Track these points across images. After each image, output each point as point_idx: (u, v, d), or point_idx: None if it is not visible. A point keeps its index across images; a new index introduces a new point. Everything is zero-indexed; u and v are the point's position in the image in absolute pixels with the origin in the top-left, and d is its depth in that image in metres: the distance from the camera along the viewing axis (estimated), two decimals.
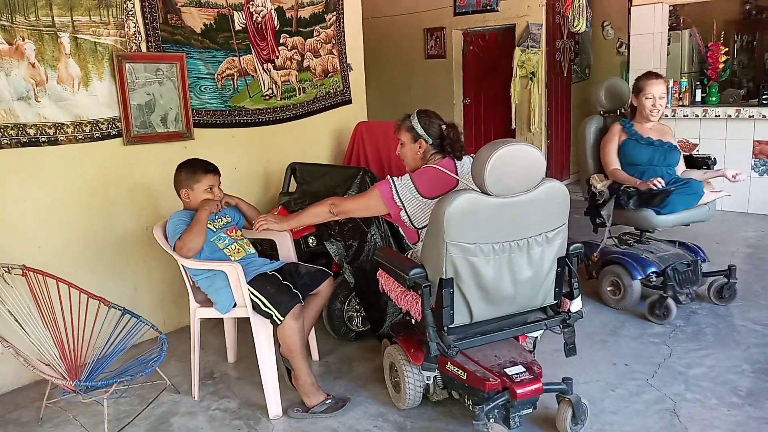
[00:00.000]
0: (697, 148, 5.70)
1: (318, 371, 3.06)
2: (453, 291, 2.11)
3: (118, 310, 2.87)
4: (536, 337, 2.57)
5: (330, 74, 4.39)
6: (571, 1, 3.86)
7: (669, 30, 6.03)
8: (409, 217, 2.50)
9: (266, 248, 3.18)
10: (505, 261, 2.15)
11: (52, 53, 2.94)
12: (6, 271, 2.71)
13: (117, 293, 3.02)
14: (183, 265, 2.71)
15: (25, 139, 2.90)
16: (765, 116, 5.27)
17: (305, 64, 4.19)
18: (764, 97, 5.44)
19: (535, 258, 2.20)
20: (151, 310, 3.21)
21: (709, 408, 2.61)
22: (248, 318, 2.64)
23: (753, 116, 5.34)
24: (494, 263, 2.13)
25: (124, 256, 3.39)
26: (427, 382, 2.49)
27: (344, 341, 3.36)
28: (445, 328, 2.17)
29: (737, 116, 5.43)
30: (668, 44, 6.05)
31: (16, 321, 2.60)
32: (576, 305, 2.38)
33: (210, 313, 2.76)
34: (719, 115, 5.53)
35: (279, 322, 2.54)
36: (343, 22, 4.42)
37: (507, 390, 2.27)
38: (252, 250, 2.88)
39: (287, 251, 3.07)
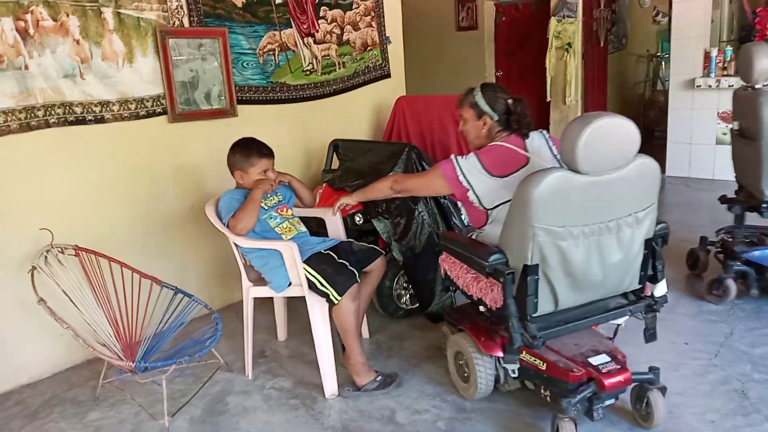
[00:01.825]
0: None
1: (369, 349, 3.03)
2: (538, 278, 1.99)
3: (171, 289, 2.86)
4: (619, 324, 2.40)
5: (369, 48, 4.29)
6: None
7: None
8: (478, 197, 2.34)
9: (313, 226, 3.13)
10: (595, 244, 2.01)
11: (96, 29, 2.88)
12: (60, 252, 2.70)
13: (163, 272, 3.00)
14: (235, 244, 2.68)
15: (71, 118, 2.86)
16: None
17: (345, 37, 4.10)
18: None
19: (625, 240, 2.06)
20: (197, 289, 3.19)
21: None
22: (299, 297, 2.60)
23: None
24: (583, 247, 1.99)
25: (170, 235, 3.37)
26: (497, 372, 2.40)
27: (393, 319, 3.32)
28: (528, 317, 2.05)
29: None
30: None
31: (72, 301, 2.59)
32: (661, 289, 2.25)
33: (264, 292, 2.72)
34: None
35: (336, 302, 2.50)
36: None
37: (593, 381, 2.15)
38: (303, 228, 2.83)
39: (337, 229, 3.02)
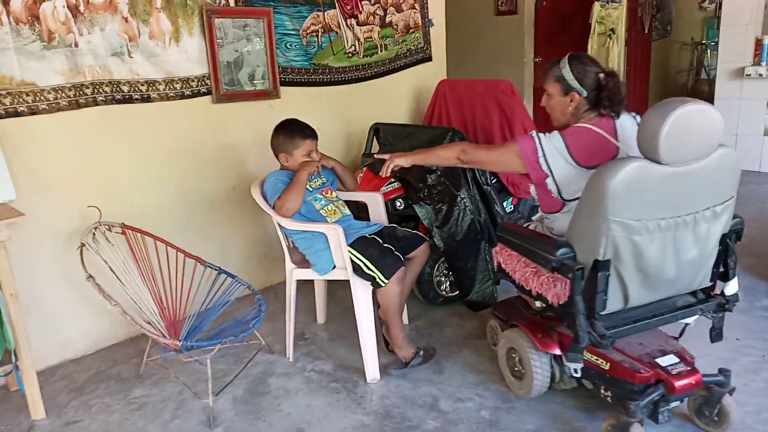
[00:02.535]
0: None
1: (409, 335, 2.99)
2: (609, 274, 1.88)
3: (214, 269, 2.86)
4: (687, 324, 2.27)
5: (411, 30, 4.22)
6: None
7: None
8: (558, 186, 2.13)
9: (353, 210, 3.11)
10: (671, 239, 1.90)
11: (143, 7, 2.87)
12: (107, 229, 2.72)
13: (205, 252, 3.01)
14: (280, 225, 2.66)
15: (119, 96, 2.87)
16: None
17: (387, 19, 4.03)
18: None
19: (702, 235, 1.95)
20: (238, 270, 3.18)
21: None
22: (338, 280, 2.59)
23: None
24: (659, 242, 1.88)
25: (212, 215, 3.37)
26: (552, 370, 2.30)
27: (433, 306, 3.29)
28: (597, 315, 1.94)
29: None
30: None
31: (118, 279, 2.61)
32: (732, 287, 2.13)
33: (307, 274, 2.71)
34: None
35: (383, 285, 2.48)
36: None
37: (662, 383, 2.05)
38: (347, 211, 2.81)
39: (379, 214, 2.98)
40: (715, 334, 2.21)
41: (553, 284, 2.05)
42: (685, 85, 7.70)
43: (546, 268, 2.04)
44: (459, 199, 3.22)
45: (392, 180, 3.33)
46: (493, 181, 3.47)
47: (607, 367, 2.12)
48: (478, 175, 3.31)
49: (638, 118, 2.21)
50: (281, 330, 2.88)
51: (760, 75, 5.41)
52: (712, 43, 6.55)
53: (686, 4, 7.44)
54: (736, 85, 5.61)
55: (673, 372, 2.05)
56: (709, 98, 5.85)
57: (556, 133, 2.13)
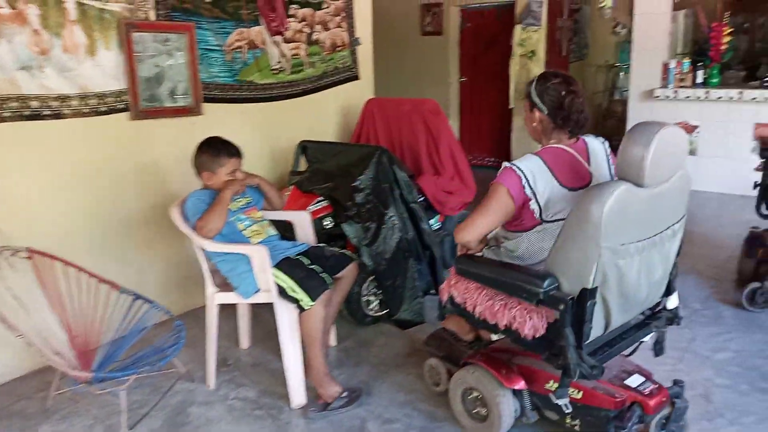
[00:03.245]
0: (697, 131, 5.69)
1: (337, 357, 2.97)
2: (596, 302, 1.83)
3: (130, 295, 2.72)
4: (642, 341, 2.26)
5: (339, 48, 4.22)
6: None
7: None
8: (540, 207, 2.03)
9: (281, 229, 3.05)
10: (645, 260, 1.90)
11: (56, 19, 2.73)
12: (12, 254, 2.53)
13: (121, 276, 2.86)
14: (201, 248, 2.57)
15: (27, 112, 2.70)
16: (767, 98, 5.26)
17: (314, 37, 4.02)
18: (766, 79, 5.44)
19: (665, 254, 1.99)
20: (156, 294, 3.05)
21: (741, 393, 2.58)
22: (263, 303, 2.53)
23: (755, 98, 5.33)
24: (636, 264, 1.87)
25: (129, 237, 3.22)
26: (522, 406, 2.18)
27: (361, 325, 3.26)
28: (583, 345, 1.87)
29: (739, 98, 5.41)
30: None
31: (23, 307, 2.43)
32: (674, 301, 2.20)
33: (230, 298, 2.63)
34: (721, 97, 5.51)
35: (308, 308, 2.43)
36: None
37: (637, 404, 2.01)
38: (273, 231, 2.75)
39: (306, 233, 2.94)
40: (659, 348, 2.26)
41: (528, 317, 1.95)
42: (600, 105, 8.10)
43: (530, 301, 1.90)
44: (387, 217, 3.23)
45: (320, 198, 3.31)
46: (420, 199, 3.50)
47: (579, 395, 2.05)
48: (405, 192, 3.33)
49: (607, 145, 2.24)
50: (202, 356, 2.76)
51: (668, 97, 5.76)
52: (624, 66, 6.90)
53: (600, 29, 7.85)
54: (647, 106, 5.95)
55: (645, 392, 2.05)
56: (623, 118, 6.18)
57: (530, 155, 2.09)
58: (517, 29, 6.38)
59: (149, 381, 2.73)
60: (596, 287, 1.81)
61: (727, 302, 3.45)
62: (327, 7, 4.07)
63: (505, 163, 2.06)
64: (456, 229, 2.12)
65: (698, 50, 6.32)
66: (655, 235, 1.91)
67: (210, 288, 2.65)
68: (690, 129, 5.73)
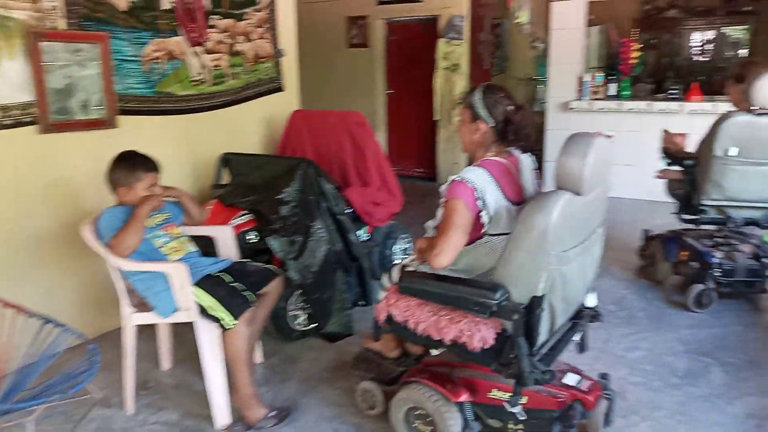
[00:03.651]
0: (612, 141, 5.98)
1: (264, 374, 2.91)
2: (544, 309, 1.88)
3: (39, 319, 2.56)
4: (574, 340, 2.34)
5: (262, 60, 4.17)
6: None
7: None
8: (491, 218, 2.04)
9: (203, 245, 2.97)
10: (580, 264, 1.99)
11: None
12: None
13: (30, 298, 2.68)
14: (116, 266, 2.46)
15: None
16: (674, 110, 5.60)
17: (237, 48, 3.95)
18: (671, 92, 5.80)
19: (594, 256, 2.11)
20: (68, 317, 2.87)
21: (654, 390, 2.72)
22: (186, 322, 2.44)
23: (662, 109, 5.67)
24: (575, 268, 1.95)
25: (39, 257, 3.04)
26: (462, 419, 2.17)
27: (288, 340, 3.21)
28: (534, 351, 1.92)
29: (648, 110, 5.75)
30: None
31: None
32: (593, 299, 2.28)
33: (147, 318, 2.53)
34: (632, 109, 5.83)
35: (230, 327, 2.36)
36: (275, 5, 4.21)
37: (578, 402, 2.08)
38: (193, 248, 2.67)
39: (228, 248, 2.88)
40: (582, 346, 2.35)
41: (477, 329, 1.96)
42: None
43: (482, 313, 1.90)
44: (314, 229, 3.21)
45: (244, 212, 3.24)
46: (347, 211, 3.50)
47: (524, 400, 2.08)
48: (332, 204, 3.33)
49: (534, 161, 2.28)
50: (120, 381, 2.64)
51: (583, 108, 6.04)
52: (542, 79, 7.18)
53: (520, 44, 8.15)
54: (564, 117, 6.21)
55: (584, 388, 2.13)
56: (541, 129, 6.41)
57: (474, 167, 2.09)
58: (441, 43, 6.53)
59: (62, 409, 2.57)
60: (544, 294, 1.87)
61: (638, 302, 3.64)
62: (249, 18, 4.01)
63: (454, 177, 2.04)
64: (430, 258, 2.00)
65: (611, 64, 6.66)
66: (585, 240, 2.01)
67: (126, 308, 2.54)
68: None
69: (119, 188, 2.50)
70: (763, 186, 3.37)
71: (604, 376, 2.31)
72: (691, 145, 3.77)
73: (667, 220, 3.96)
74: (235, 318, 2.36)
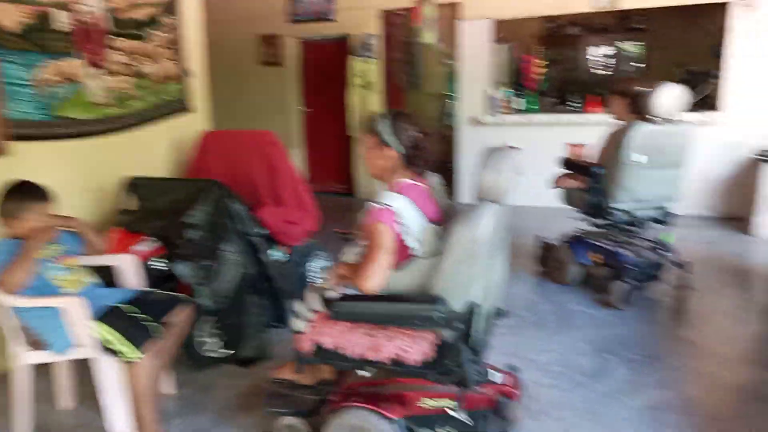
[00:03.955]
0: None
1: (176, 406, 2.80)
2: (480, 314, 1.99)
3: None
4: None
5: (169, 80, 4.07)
6: (420, 14, 3.93)
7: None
8: (415, 242, 2.10)
9: (105, 275, 2.84)
10: (499, 268, 2.19)
11: None
12: None
13: None
14: (5, 304, 2.31)
15: None
16: (576, 122, 5.90)
17: (141, 69, 3.84)
18: (573, 104, 6.12)
19: (505, 259, 2.27)
20: None
21: (563, 390, 2.84)
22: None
23: (566, 122, 5.97)
24: (497, 273, 2.15)
25: None
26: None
27: (201, 369, 3.11)
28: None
29: (554, 122, 6.03)
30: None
31: None
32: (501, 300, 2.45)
33: (42, 357, 2.39)
34: (539, 122, 6.10)
35: (133, 362, 2.27)
36: (181, 25, 4.13)
37: (504, 396, 2.20)
38: (92, 279, 2.55)
39: (132, 278, 2.77)
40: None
41: (415, 343, 2.00)
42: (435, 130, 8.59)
43: (426, 326, 1.97)
44: (225, 252, 3.15)
45: (151, 238, 3.14)
46: (261, 231, 3.45)
47: (453, 404, 2.14)
48: (243, 226, 3.28)
49: (439, 177, 2.35)
50: (13, 427, 2.47)
51: (493, 123, 6.26)
52: (453, 95, 7.37)
53: (432, 61, 8.35)
54: (474, 132, 6.42)
55: (508, 383, 2.26)
56: (453, 143, 6.60)
57: (391, 193, 2.12)
58: (354, 61, 6.60)
59: None
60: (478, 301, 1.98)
61: (548, 306, 3.79)
62: (154, 39, 3.92)
63: (373, 204, 2.08)
64: (360, 282, 2.00)
65: (518, 80, 6.95)
66: (501, 245, 2.19)
67: (17, 347, 2.38)
68: None
69: (8, 220, 2.36)
70: (665, 188, 3.74)
71: (513, 367, 2.43)
72: (590, 154, 4.00)
73: (572, 224, 4.18)
74: (138, 351, 2.27)
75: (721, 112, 5.41)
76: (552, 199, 4.35)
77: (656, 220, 3.87)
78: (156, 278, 3.01)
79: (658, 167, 3.62)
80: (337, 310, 2.08)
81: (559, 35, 8.94)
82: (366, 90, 6.65)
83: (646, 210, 3.80)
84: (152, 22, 3.91)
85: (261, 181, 3.74)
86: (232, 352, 3.15)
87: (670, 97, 3.51)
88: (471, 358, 2.00)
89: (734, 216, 5.43)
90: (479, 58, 6.30)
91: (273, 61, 7.15)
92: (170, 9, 4.01)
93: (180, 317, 2.60)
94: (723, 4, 5.23)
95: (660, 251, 3.86)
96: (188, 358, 3.07)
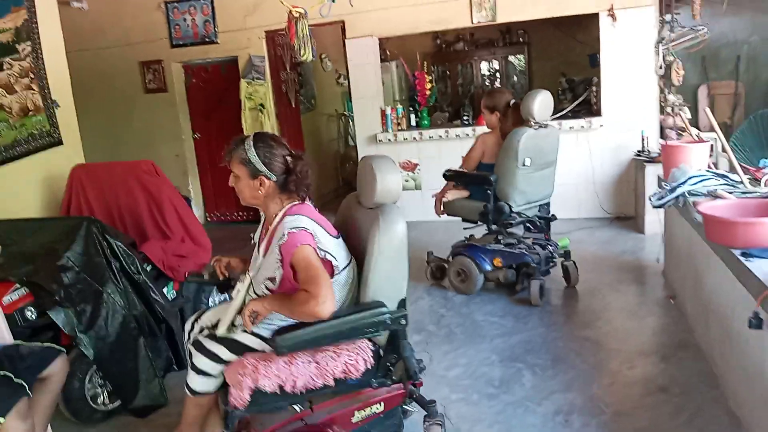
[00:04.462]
0: (418, 168, 6.28)
1: None
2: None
3: None
4: None
5: (32, 113, 3.72)
6: (295, 31, 3.88)
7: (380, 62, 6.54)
8: (334, 257, 2.09)
9: None
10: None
11: None
12: None
13: None
14: None
15: None
16: (468, 135, 6.03)
17: None
18: (464, 118, 6.26)
19: None
20: None
21: (473, 404, 2.81)
22: None
23: (459, 135, 6.09)
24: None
25: None
26: None
27: (90, 425, 2.82)
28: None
29: (447, 136, 6.13)
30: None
31: None
32: None
33: None
34: (432, 137, 6.18)
35: None
36: (41, 53, 3.79)
37: (413, 387, 2.29)
38: None
39: None
40: None
41: (358, 354, 2.08)
42: (338, 151, 8.54)
43: (378, 331, 2.07)
44: (105, 295, 2.89)
45: (17, 286, 2.81)
46: (147, 268, 3.22)
47: (382, 407, 2.21)
48: (126, 264, 3.03)
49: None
50: None
51: (389, 140, 6.28)
52: (352, 114, 7.38)
53: (326, 81, 8.33)
54: (373, 149, 6.39)
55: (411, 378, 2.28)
56: (357, 162, 6.55)
57: (298, 216, 2.08)
58: (243, 83, 6.43)
59: None
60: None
61: (456, 319, 3.78)
62: (10, 68, 3.57)
63: (289, 230, 2.02)
64: (315, 309, 1.93)
65: (411, 96, 7.04)
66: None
67: None
68: (411, 166, 6.31)
69: None
70: (545, 186, 4.09)
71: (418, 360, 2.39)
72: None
73: (454, 237, 4.27)
74: (3, 414, 2.00)
75: (602, 117, 5.72)
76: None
77: (543, 218, 4.13)
78: (27, 330, 2.70)
79: (539, 168, 3.92)
80: (284, 344, 1.97)
81: (448, 51, 9.24)
82: (259, 112, 6.48)
83: (534, 209, 4.07)
84: (5, 49, 3.55)
85: (144, 214, 3.52)
86: (124, 402, 2.88)
87: (541, 103, 3.81)
88: (411, 350, 2.15)
89: (625, 215, 5.72)
90: (370, 76, 6.31)
91: (156, 88, 6.82)
92: (24, 35, 3.67)
93: (55, 370, 2.33)
94: (597, 15, 5.55)
95: (550, 247, 4.12)
96: (73, 415, 2.77)
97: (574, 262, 4.10)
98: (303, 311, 1.96)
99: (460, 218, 4.19)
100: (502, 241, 4.08)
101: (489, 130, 4.13)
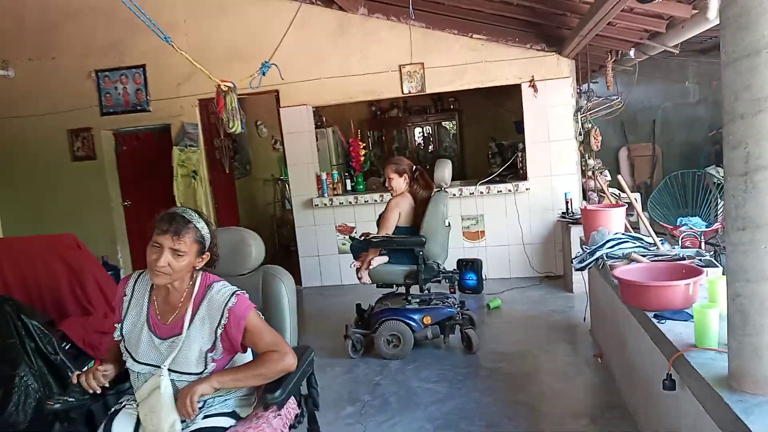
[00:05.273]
0: (355, 230, 6.34)
1: None
2: None
3: None
4: None
5: None
6: (224, 104, 3.92)
7: (315, 128, 6.66)
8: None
9: None
10: None
11: None
12: None
13: None
14: None
15: None
16: None
17: None
18: None
19: None
20: None
21: None
22: None
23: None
24: None
25: None
26: None
27: None
28: None
29: (382, 200, 6.23)
30: (316, 141, 6.67)
31: None
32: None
33: None
34: (367, 201, 6.27)
35: None
36: None
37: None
38: None
39: None
40: None
41: (281, 411, 2.13)
42: (273, 215, 8.51)
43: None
44: (18, 379, 2.72)
45: None
46: (66, 347, 3.06)
47: None
48: (42, 344, 2.87)
49: None
50: None
51: (325, 204, 6.33)
52: (288, 179, 7.42)
53: (261, 147, 8.39)
54: (309, 213, 6.42)
55: None
56: (294, 225, 6.53)
57: (223, 281, 2.13)
58: (175, 150, 6.38)
59: None
60: None
61: (391, 387, 3.73)
62: None
63: (235, 292, 2.05)
64: (282, 363, 1.99)
65: (346, 162, 7.16)
66: None
67: None
68: (348, 230, 6.35)
69: None
70: (448, 243, 4.43)
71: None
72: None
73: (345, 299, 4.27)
74: None
75: (528, 181, 5.97)
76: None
77: (450, 271, 4.36)
78: None
79: (446, 226, 4.32)
80: (279, 399, 1.98)
81: (383, 117, 9.53)
82: (192, 179, 6.42)
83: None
84: None
85: (65, 290, 3.38)
86: None
87: (449, 171, 4.26)
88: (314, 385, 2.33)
89: (554, 275, 5.91)
90: (305, 142, 6.40)
91: (85, 156, 6.67)
92: None
93: None
94: (519, 86, 5.89)
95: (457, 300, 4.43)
96: None
97: (474, 329, 4.24)
98: (282, 369, 2.01)
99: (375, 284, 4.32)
100: (411, 301, 4.27)
101: (399, 195, 4.30)
